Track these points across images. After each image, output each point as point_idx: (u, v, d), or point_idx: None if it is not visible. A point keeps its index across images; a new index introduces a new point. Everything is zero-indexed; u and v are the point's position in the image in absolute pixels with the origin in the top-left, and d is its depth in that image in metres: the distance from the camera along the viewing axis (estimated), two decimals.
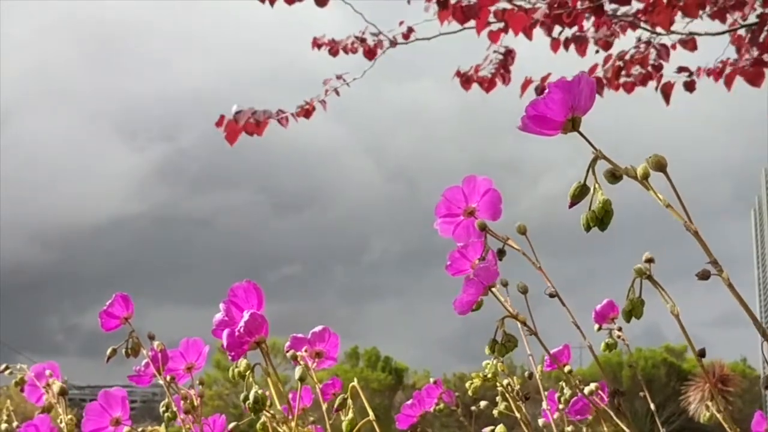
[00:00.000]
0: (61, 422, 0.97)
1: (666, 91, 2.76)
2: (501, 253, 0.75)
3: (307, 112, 2.84)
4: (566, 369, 0.93)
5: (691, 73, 2.76)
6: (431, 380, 1.09)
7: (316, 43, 3.04)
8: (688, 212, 0.56)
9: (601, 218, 0.58)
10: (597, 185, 0.57)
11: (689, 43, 2.74)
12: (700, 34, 2.74)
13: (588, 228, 0.58)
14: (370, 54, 2.93)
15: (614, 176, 0.56)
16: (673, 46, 2.75)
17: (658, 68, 2.75)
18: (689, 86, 2.77)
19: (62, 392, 0.99)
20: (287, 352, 0.90)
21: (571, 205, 0.58)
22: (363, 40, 2.95)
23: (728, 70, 2.72)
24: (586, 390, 0.91)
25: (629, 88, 2.78)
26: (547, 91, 0.56)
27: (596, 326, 0.92)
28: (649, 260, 0.64)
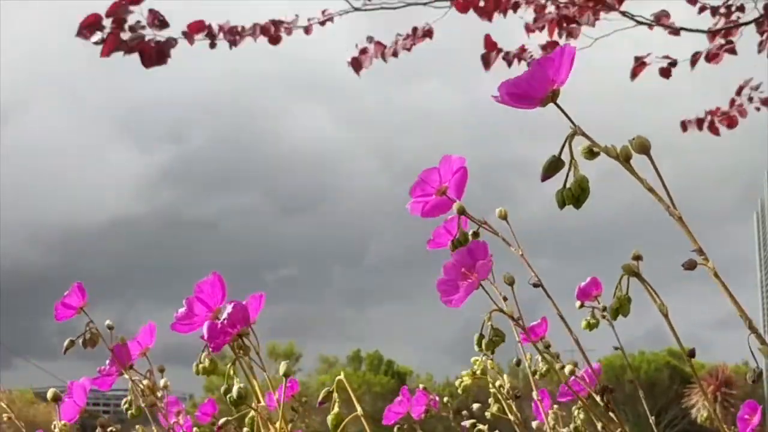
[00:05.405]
0: (55, 428, 0.97)
1: (635, 70, 2.70)
2: (475, 236, 0.73)
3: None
4: (542, 343, 0.91)
5: (673, 63, 2.70)
6: (421, 386, 1.09)
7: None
8: (672, 198, 0.54)
9: (577, 196, 0.56)
10: (573, 162, 0.56)
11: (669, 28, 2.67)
12: (691, 30, 2.70)
13: (562, 205, 0.57)
14: (273, 41, 2.70)
15: (591, 153, 0.55)
16: (651, 27, 2.67)
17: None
18: (665, 73, 2.71)
19: (55, 398, 0.98)
20: None
21: (544, 178, 0.56)
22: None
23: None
24: (567, 369, 0.88)
25: (576, 33, 2.65)
26: (530, 68, 0.54)
27: (578, 303, 0.90)
28: (637, 257, 0.63)
